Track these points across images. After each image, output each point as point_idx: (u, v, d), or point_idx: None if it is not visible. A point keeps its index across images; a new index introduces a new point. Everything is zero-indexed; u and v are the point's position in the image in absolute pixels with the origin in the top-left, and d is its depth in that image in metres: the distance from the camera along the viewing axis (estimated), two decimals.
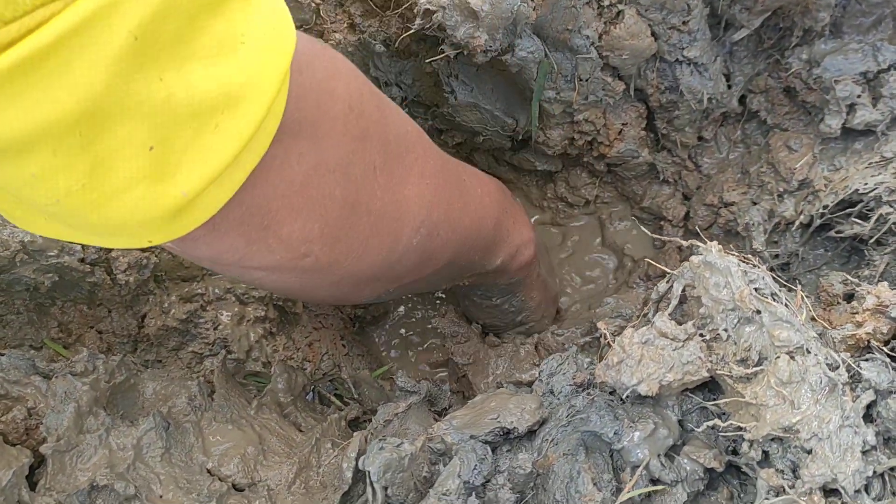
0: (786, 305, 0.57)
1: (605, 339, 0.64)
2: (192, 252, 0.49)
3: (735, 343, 0.58)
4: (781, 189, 0.95)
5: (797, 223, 0.91)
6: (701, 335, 0.60)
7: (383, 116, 0.56)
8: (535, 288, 0.96)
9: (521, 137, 1.03)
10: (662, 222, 1.08)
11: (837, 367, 0.53)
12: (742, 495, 0.60)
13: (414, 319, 1.10)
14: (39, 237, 0.68)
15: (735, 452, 0.60)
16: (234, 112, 0.38)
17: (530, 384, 0.74)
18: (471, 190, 0.73)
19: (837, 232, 0.88)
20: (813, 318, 0.64)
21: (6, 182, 0.35)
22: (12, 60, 0.30)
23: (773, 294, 0.58)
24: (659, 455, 0.59)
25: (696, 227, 1.04)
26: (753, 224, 0.96)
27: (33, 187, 0.35)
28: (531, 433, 0.67)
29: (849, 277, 0.73)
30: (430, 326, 1.09)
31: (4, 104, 0.31)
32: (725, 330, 0.58)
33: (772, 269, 0.95)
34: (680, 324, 0.62)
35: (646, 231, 0.75)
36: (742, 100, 1.00)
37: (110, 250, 0.75)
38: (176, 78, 0.35)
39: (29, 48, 0.30)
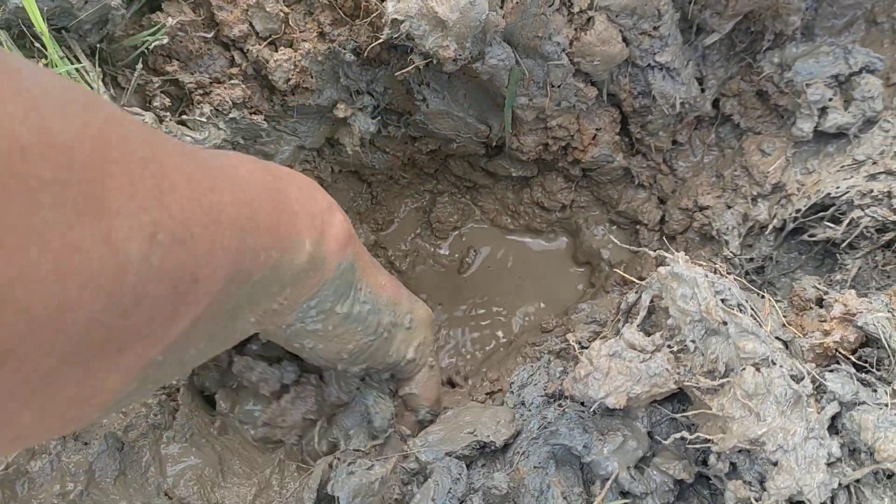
0: (752, 316, 0.57)
1: (574, 350, 0.64)
2: None
3: (702, 354, 0.58)
4: (755, 192, 0.95)
5: (771, 227, 0.91)
6: (669, 346, 0.60)
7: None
8: (373, 269, 0.68)
9: (494, 144, 1.03)
10: (638, 226, 1.08)
11: (802, 379, 0.53)
12: None
13: None
14: None
15: (705, 463, 0.60)
16: None
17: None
18: (220, 171, 0.47)
19: (810, 236, 0.88)
20: (784, 325, 0.64)
21: None
22: None
23: (738, 305, 0.58)
24: (629, 467, 0.59)
25: (672, 231, 1.04)
26: (727, 228, 0.96)
27: None
28: (506, 446, 0.67)
29: (818, 283, 0.73)
30: None
31: None
32: (693, 341, 0.58)
33: (746, 273, 0.95)
34: (649, 335, 0.61)
35: (615, 241, 0.75)
36: (715, 103, 1.00)
37: None
38: None
39: None
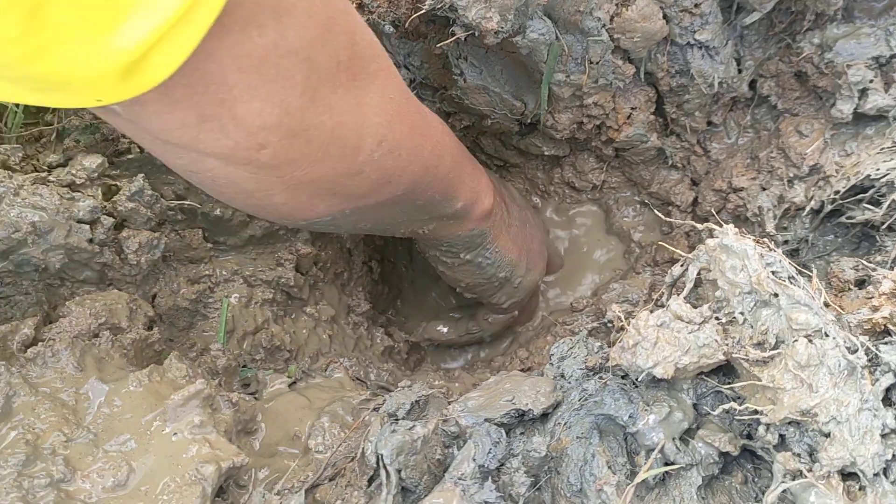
0: (803, 289, 0.56)
1: (619, 321, 0.64)
2: (143, 123, 0.47)
3: (751, 326, 0.57)
4: (791, 174, 0.94)
5: (808, 209, 0.91)
6: (717, 318, 0.59)
7: (352, 15, 0.55)
8: (507, 238, 0.91)
9: (528, 121, 1.02)
10: (670, 207, 1.07)
11: (856, 351, 0.53)
12: (756, 479, 0.60)
13: None
14: (49, 217, 0.67)
15: (749, 436, 0.60)
16: None
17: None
18: (432, 123, 0.71)
19: (848, 218, 0.87)
20: (826, 304, 0.63)
21: None
22: None
23: (790, 277, 0.57)
24: (674, 438, 0.59)
25: (705, 213, 1.04)
26: (763, 210, 0.95)
27: None
28: (544, 416, 0.67)
29: (862, 262, 0.73)
30: None
31: None
32: (742, 313, 0.58)
33: None
34: (695, 307, 0.61)
35: (659, 215, 0.74)
36: (752, 84, 0.99)
37: (120, 230, 0.74)
38: None
39: None
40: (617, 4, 0.87)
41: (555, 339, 1.02)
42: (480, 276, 0.92)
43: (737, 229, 0.61)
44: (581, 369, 0.71)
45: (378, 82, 0.58)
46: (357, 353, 0.93)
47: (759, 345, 0.57)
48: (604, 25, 0.88)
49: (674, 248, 0.68)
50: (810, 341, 0.54)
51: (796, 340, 0.54)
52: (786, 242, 0.94)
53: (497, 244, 0.89)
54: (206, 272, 0.84)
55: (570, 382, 0.70)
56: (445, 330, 1.07)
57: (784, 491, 0.54)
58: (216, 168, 0.52)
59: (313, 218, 0.63)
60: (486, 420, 0.63)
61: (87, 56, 0.37)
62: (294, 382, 0.75)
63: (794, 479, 0.54)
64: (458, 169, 0.76)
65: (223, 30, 0.41)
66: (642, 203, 1.12)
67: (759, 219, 0.95)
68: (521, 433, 0.65)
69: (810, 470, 0.52)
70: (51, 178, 0.73)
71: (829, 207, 0.89)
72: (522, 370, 0.99)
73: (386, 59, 0.61)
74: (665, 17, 0.89)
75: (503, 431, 0.63)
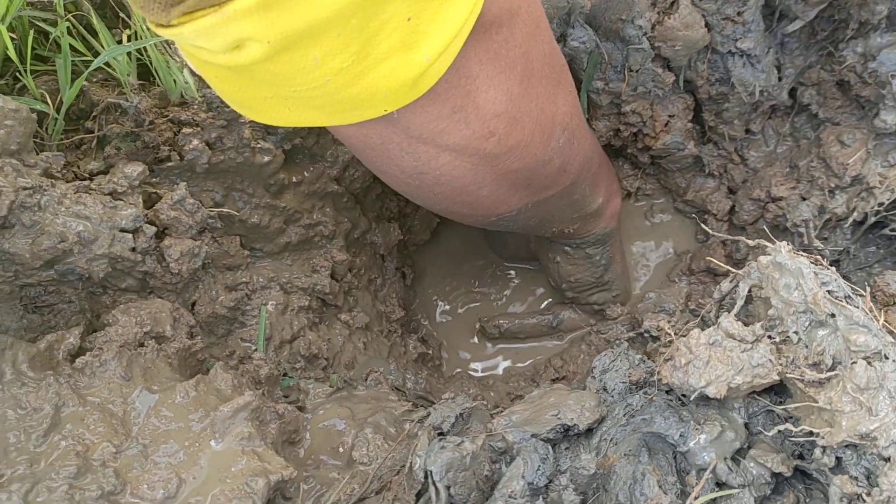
0: (860, 309, 0.56)
1: (667, 337, 0.63)
2: (404, 122, 0.55)
3: (806, 346, 0.57)
4: (833, 184, 0.93)
5: (850, 220, 0.90)
6: (769, 337, 0.59)
7: (545, 20, 0.63)
8: (619, 252, 1.02)
9: None
10: (706, 216, 1.06)
11: None
12: (808, 500, 0.59)
13: None
14: (93, 227, 0.67)
15: (801, 457, 0.59)
16: None
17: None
18: (586, 123, 0.82)
19: (892, 230, 0.86)
20: (890, 332, 0.62)
21: (281, 71, 0.42)
22: None
23: (846, 297, 0.57)
24: (725, 458, 0.58)
25: (742, 222, 1.03)
26: (803, 221, 0.94)
27: (308, 72, 0.42)
28: (589, 431, 0.66)
29: None
30: None
31: None
32: (796, 332, 0.57)
33: None
34: (746, 325, 0.60)
35: (704, 227, 0.73)
36: (792, 92, 0.98)
37: (161, 240, 0.74)
38: None
39: None
40: (659, 13, 0.86)
41: (589, 347, 1.01)
42: (592, 273, 1.00)
43: (790, 246, 0.60)
44: (624, 383, 0.70)
45: (565, 76, 0.68)
46: (392, 361, 0.93)
47: (815, 365, 0.56)
48: (645, 34, 0.87)
49: (721, 264, 0.67)
50: (869, 363, 0.53)
51: (855, 362, 0.53)
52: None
53: (614, 248, 0.99)
54: (244, 279, 0.84)
55: (612, 396, 0.70)
56: (520, 313, 1.12)
57: None
58: (447, 164, 0.61)
59: (504, 212, 0.73)
60: (532, 436, 0.62)
61: (395, 73, 0.45)
62: (336, 392, 0.75)
63: (850, 503, 0.53)
64: (602, 166, 0.87)
65: (474, 32, 0.50)
66: (677, 211, 1.11)
67: (798, 229, 0.94)
68: (567, 448, 0.65)
69: (869, 494, 0.52)
70: (92, 186, 0.73)
71: (872, 219, 0.87)
72: (556, 379, 0.99)
73: (565, 61, 0.70)
74: (707, 25, 0.88)
75: (550, 447, 0.62)
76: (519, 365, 1.06)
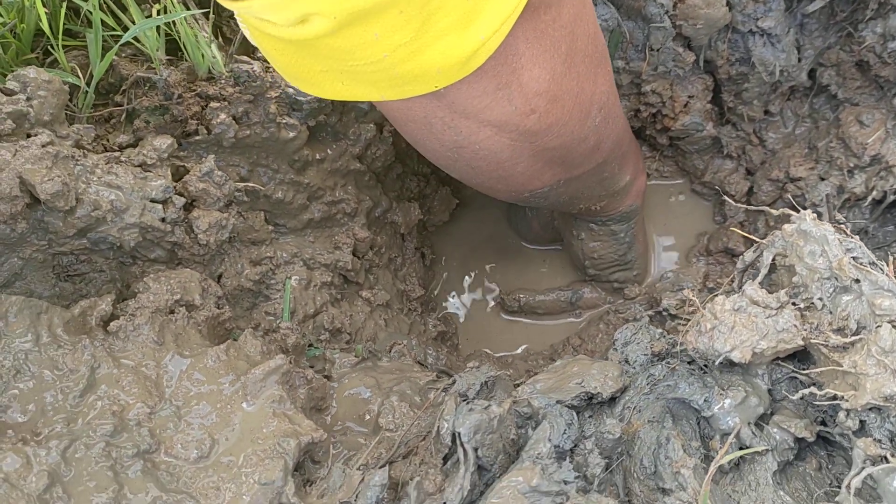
0: (886, 274, 0.56)
1: (691, 304, 0.64)
2: (451, 97, 0.55)
3: (831, 312, 0.57)
4: (852, 164, 0.93)
5: (868, 199, 0.90)
6: (794, 304, 0.59)
7: (591, 2, 0.64)
8: (641, 231, 1.03)
9: None
10: (724, 197, 1.07)
11: None
12: (830, 466, 0.60)
13: None
14: (125, 196, 0.68)
15: (824, 423, 0.60)
16: None
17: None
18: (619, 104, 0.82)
19: None
20: None
21: (342, 45, 0.43)
22: None
23: (871, 263, 0.57)
24: (749, 423, 0.59)
25: (760, 203, 1.03)
26: (821, 200, 0.95)
27: (368, 48, 0.43)
28: (612, 400, 0.67)
29: None
30: None
31: None
32: (820, 299, 0.58)
33: None
34: (770, 293, 0.61)
35: (728, 199, 0.74)
36: (811, 73, 0.98)
37: (189, 212, 0.75)
38: None
39: None
40: None
41: (607, 326, 1.02)
42: (615, 250, 1.02)
43: (814, 214, 0.61)
44: (645, 355, 0.71)
45: (605, 56, 0.68)
46: (414, 337, 0.94)
47: (840, 330, 0.57)
48: (667, 12, 0.87)
49: (745, 234, 0.67)
50: (894, 327, 0.53)
51: (880, 326, 0.54)
52: None
53: (637, 226, 1.00)
54: (268, 254, 0.85)
55: (634, 368, 0.70)
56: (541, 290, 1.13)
57: (865, 477, 0.53)
58: (486, 139, 0.61)
59: (537, 188, 0.74)
60: (557, 402, 0.63)
61: (451, 50, 0.46)
62: (361, 361, 0.76)
63: (874, 465, 0.54)
64: (631, 145, 0.87)
65: (525, 12, 0.50)
66: (694, 192, 1.11)
67: (817, 209, 0.95)
68: (590, 416, 0.66)
69: (893, 455, 0.52)
70: (122, 157, 0.74)
71: (891, 198, 0.88)
72: None
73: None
74: (728, 3, 0.88)
75: (574, 413, 0.63)
76: (537, 345, 1.07)
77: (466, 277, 1.15)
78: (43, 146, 0.65)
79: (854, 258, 0.58)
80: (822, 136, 0.99)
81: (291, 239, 0.90)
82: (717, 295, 0.63)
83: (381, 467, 0.61)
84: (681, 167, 1.11)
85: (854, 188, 0.92)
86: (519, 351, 1.07)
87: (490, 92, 0.56)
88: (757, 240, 0.64)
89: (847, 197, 0.93)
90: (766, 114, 1.02)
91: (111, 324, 0.63)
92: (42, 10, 0.71)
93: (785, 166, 1.00)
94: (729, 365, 0.61)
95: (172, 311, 0.67)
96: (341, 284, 0.93)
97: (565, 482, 0.56)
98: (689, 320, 0.71)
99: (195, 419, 0.59)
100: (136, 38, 0.77)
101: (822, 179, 0.96)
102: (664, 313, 0.96)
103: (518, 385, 0.70)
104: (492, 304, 1.13)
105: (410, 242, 1.08)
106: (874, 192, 0.90)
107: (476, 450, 0.59)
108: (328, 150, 0.89)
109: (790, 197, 0.99)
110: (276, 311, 0.82)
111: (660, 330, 0.75)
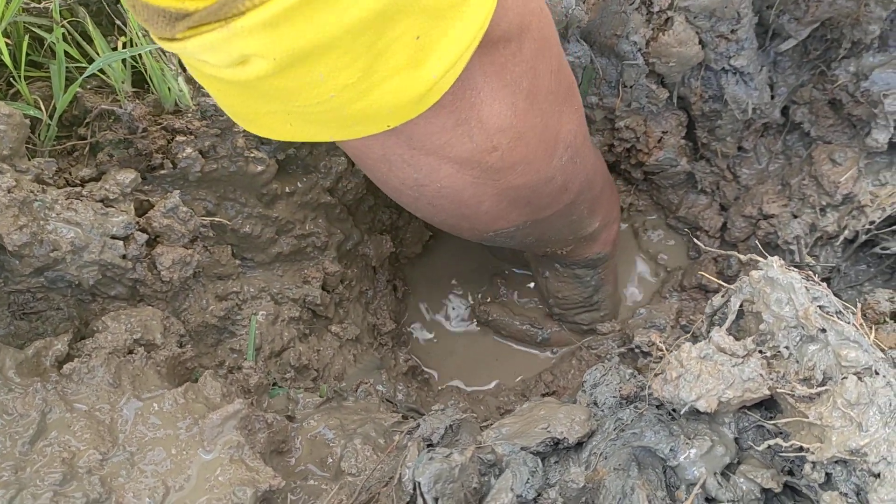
0: (851, 324, 0.56)
1: (658, 351, 0.63)
2: (409, 132, 0.54)
3: (797, 361, 0.57)
4: (824, 202, 0.93)
5: (841, 238, 0.90)
6: (760, 352, 0.59)
7: (556, 38, 0.63)
8: (611, 274, 1.01)
9: None
10: (698, 232, 1.07)
11: None
12: None
13: None
14: (84, 234, 0.67)
15: (791, 473, 0.59)
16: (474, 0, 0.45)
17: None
18: (591, 144, 0.81)
19: (883, 248, 0.86)
20: (880, 348, 0.62)
21: (285, 86, 0.42)
22: None
23: (837, 312, 0.57)
24: (715, 473, 0.58)
25: (734, 239, 1.03)
26: (794, 238, 0.94)
27: (313, 88, 0.42)
28: (579, 445, 0.66)
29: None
30: None
31: (322, 8, 0.37)
32: (787, 347, 0.57)
33: None
34: (737, 339, 0.60)
35: (697, 242, 0.74)
36: (784, 111, 0.99)
37: (153, 248, 0.74)
38: None
39: None
40: (654, 29, 0.87)
41: (579, 362, 1.01)
42: (580, 293, 1.00)
43: (782, 261, 0.60)
44: (614, 397, 0.70)
45: (573, 94, 0.68)
46: (383, 373, 0.92)
47: (806, 380, 0.56)
48: (639, 49, 0.87)
49: (713, 279, 0.67)
50: (860, 379, 0.53)
51: (845, 378, 0.53)
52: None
53: (606, 271, 0.98)
54: (234, 289, 0.84)
55: (603, 410, 0.69)
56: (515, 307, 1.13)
57: None
58: (448, 176, 0.60)
59: (502, 228, 0.72)
60: (521, 448, 0.62)
61: (401, 90, 0.45)
62: (325, 402, 0.75)
63: None
64: (605, 190, 0.86)
65: (480, 45, 0.50)
66: (669, 227, 1.11)
67: (790, 247, 0.95)
68: (556, 462, 0.65)
69: None
70: (84, 192, 0.73)
71: (863, 237, 0.88)
72: (546, 394, 0.98)
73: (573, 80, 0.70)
74: (701, 42, 0.88)
75: (539, 460, 0.62)
76: (509, 378, 1.06)
77: (439, 306, 1.14)
78: (9, 191, 0.63)
79: (821, 307, 0.57)
80: (795, 173, 0.99)
81: (259, 273, 0.88)
82: (684, 341, 0.62)
83: None
84: (655, 202, 1.11)
85: (826, 227, 0.92)
86: (491, 386, 1.05)
87: (449, 128, 0.55)
88: (724, 285, 0.64)
89: (819, 235, 0.93)
90: (739, 150, 1.02)
91: (65, 366, 0.61)
92: (3, 42, 0.69)
93: (758, 202, 1.00)
94: (695, 413, 0.60)
95: (131, 351, 0.66)
96: (310, 319, 0.91)
97: None
98: (658, 361, 0.70)
99: (148, 466, 0.57)
100: (101, 70, 0.76)
101: (795, 217, 0.96)
102: (636, 350, 0.95)
103: (484, 427, 0.69)
104: (466, 322, 1.12)
105: (382, 275, 1.07)
106: (846, 231, 0.90)
107: (437, 500, 0.57)
108: (298, 184, 0.88)
109: (763, 234, 0.99)
110: (242, 348, 0.81)
111: (630, 370, 0.74)
